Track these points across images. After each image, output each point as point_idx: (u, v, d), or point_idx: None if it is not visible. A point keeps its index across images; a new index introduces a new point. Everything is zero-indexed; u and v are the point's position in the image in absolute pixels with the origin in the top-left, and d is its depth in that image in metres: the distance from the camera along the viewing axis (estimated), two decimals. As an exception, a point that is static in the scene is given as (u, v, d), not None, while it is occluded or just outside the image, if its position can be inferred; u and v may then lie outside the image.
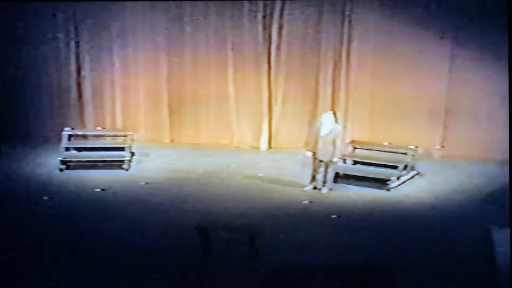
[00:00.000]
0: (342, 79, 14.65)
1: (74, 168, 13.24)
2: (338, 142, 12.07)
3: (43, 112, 15.28)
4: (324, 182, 12.21)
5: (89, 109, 15.38)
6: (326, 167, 12.19)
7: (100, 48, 15.04)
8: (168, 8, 14.80)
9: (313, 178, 12.26)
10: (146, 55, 15.04)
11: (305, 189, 12.22)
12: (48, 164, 13.42)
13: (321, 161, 12.13)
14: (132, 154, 13.65)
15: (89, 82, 15.25)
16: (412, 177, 12.90)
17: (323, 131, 12.03)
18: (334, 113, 12.25)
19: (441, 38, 13.80)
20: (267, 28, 14.68)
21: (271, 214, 10.95)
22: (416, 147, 13.20)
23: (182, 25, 14.85)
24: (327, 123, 12.05)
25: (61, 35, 15.01)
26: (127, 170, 13.29)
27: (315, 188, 12.22)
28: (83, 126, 15.17)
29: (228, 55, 14.88)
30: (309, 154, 12.21)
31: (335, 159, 12.20)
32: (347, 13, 14.33)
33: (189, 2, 14.73)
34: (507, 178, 10.34)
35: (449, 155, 14.24)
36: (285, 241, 9.80)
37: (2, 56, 14.75)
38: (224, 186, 12.50)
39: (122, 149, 13.69)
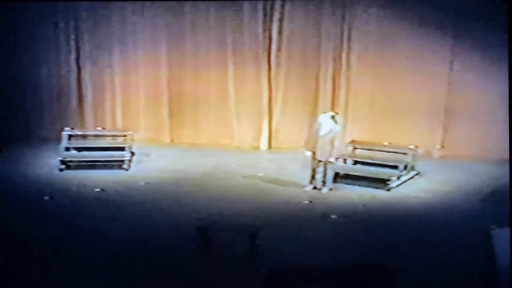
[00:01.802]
0: (342, 79, 14.65)
1: (74, 168, 13.24)
2: (337, 142, 12.08)
3: (43, 112, 15.30)
4: (324, 182, 12.21)
5: (89, 109, 15.38)
6: (325, 167, 12.19)
7: (100, 48, 15.05)
8: (168, 8, 14.79)
9: (313, 178, 12.27)
10: (146, 55, 15.04)
11: (305, 189, 12.23)
12: (48, 164, 13.42)
13: (320, 161, 12.14)
14: (132, 154, 13.65)
15: (89, 82, 15.26)
16: (412, 177, 12.91)
17: (322, 131, 12.04)
18: (333, 114, 12.28)
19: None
20: (267, 28, 14.69)
21: (271, 214, 10.95)
22: (416, 147, 13.20)
23: (182, 25, 14.85)
24: (325, 123, 12.07)
25: (61, 35, 15.02)
26: (127, 170, 13.28)
27: (315, 188, 12.23)
28: (83, 126, 15.17)
29: (228, 56, 14.88)
30: (309, 154, 12.22)
31: (332, 159, 12.19)
32: (347, 13, 14.34)
33: (189, 2, 14.74)
34: (507, 178, 10.34)
35: (449, 155, 14.24)
36: (285, 241, 9.80)
37: (2, 56, 14.75)
38: (224, 186, 12.50)
39: (122, 149, 13.68)
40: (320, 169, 12.21)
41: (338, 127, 12.15)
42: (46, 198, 11.54)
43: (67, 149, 13.65)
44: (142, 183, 12.52)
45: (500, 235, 7.92)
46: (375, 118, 14.54)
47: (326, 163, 12.16)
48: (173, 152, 14.55)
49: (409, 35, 14.08)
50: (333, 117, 12.17)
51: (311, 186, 12.25)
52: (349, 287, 7.29)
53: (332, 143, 12.01)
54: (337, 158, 12.49)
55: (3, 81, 14.89)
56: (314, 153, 12.14)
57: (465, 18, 13.68)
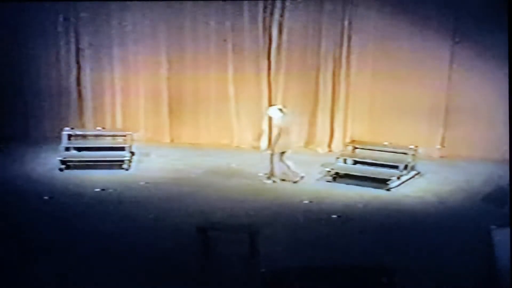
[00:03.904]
0: (342, 79, 14.64)
1: (74, 168, 13.24)
2: (274, 134, 12.44)
3: (43, 112, 15.27)
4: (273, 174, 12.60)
5: (89, 109, 15.38)
6: (281, 159, 12.52)
7: (100, 48, 15.04)
8: (168, 8, 14.79)
9: (286, 170, 12.58)
10: (146, 55, 15.03)
11: (295, 180, 12.49)
12: (48, 164, 13.42)
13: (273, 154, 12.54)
14: (132, 154, 13.65)
15: (89, 82, 15.26)
16: (412, 177, 12.90)
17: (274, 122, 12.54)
18: (280, 107, 12.65)
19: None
20: (267, 28, 14.68)
21: (271, 214, 10.95)
22: (416, 147, 13.20)
23: (182, 25, 14.85)
24: (274, 115, 12.50)
25: (61, 35, 15.02)
26: (127, 170, 13.29)
27: (283, 179, 12.55)
28: (83, 126, 15.17)
29: (228, 55, 14.88)
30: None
31: (269, 151, 12.55)
32: (347, 13, 14.33)
33: (189, 2, 14.74)
34: (507, 178, 10.34)
35: (449, 155, 14.24)
36: (285, 241, 9.80)
37: (2, 56, 14.74)
38: (224, 186, 12.50)
39: (122, 149, 13.68)
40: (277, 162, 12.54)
41: (280, 119, 12.42)
42: (46, 198, 11.54)
43: (67, 149, 13.65)
44: (142, 183, 12.52)
45: (500, 235, 7.93)
46: (375, 118, 14.53)
47: (281, 156, 12.50)
48: (173, 152, 14.54)
49: (409, 35, 14.06)
50: (280, 109, 12.53)
51: (297, 178, 12.51)
52: (349, 287, 7.29)
53: (279, 133, 12.38)
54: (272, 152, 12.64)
55: (3, 81, 14.88)
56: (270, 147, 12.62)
57: (465, 18, 13.68)
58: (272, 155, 12.57)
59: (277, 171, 12.57)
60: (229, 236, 9.46)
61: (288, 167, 12.56)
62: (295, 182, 12.53)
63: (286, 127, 12.53)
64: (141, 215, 10.83)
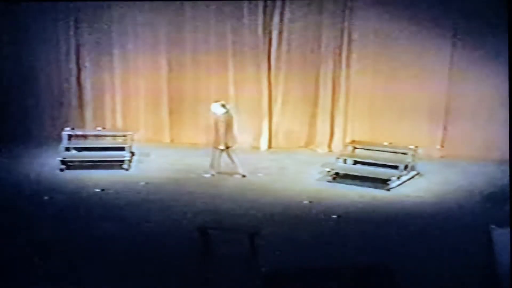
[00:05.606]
0: (342, 79, 14.65)
1: (74, 168, 13.24)
2: (221, 130, 12.67)
3: (43, 112, 15.29)
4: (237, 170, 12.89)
5: (89, 109, 15.38)
6: (229, 155, 12.86)
7: (100, 48, 15.05)
8: (168, 8, 14.80)
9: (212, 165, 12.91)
10: (146, 55, 15.04)
11: (205, 175, 12.83)
12: (48, 164, 13.42)
13: (221, 149, 12.84)
14: (132, 154, 13.66)
15: (89, 82, 15.26)
16: (412, 177, 12.91)
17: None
18: (223, 103, 12.89)
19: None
20: (267, 28, 14.69)
21: (271, 214, 10.95)
22: (416, 147, 13.20)
23: (182, 25, 14.86)
24: (216, 111, 12.75)
25: (61, 35, 15.02)
26: (127, 170, 13.29)
27: (213, 175, 12.88)
28: (83, 126, 15.17)
29: (228, 55, 14.88)
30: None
31: (221, 147, 12.77)
32: (347, 13, 14.34)
33: (189, 2, 14.74)
34: (507, 178, 10.34)
35: (449, 155, 14.24)
36: (285, 241, 9.80)
37: (2, 56, 14.75)
38: (224, 186, 12.50)
39: (122, 149, 13.69)
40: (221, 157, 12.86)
41: (222, 116, 12.66)
42: (46, 198, 11.55)
43: (67, 149, 13.67)
44: (142, 183, 12.52)
45: (500, 235, 7.93)
46: (375, 118, 14.54)
47: (227, 151, 12.77)
48: (173, 152, 14.55)
49: (409, 35, 14.07)
50: (223, 105, 12.78)
51: (210, 173, 12.84)
52: (349, 287, 7.29)
53: (223, 129, 12.65)
54: (228, 147, 12.87)
55: (3, 81, 14.89)
56: (215, 142, 12.79)
57: (465, 18, 13.68)
58: (221, 150, 12.78)
59: (221, 165, 12.90)
60: (229, 236, 9.46)
61: (233, 161, 12.87)
62: (243, 176, 12.83)
63: (230, 122, 12.76)
64: (141, 215, 10.83)
